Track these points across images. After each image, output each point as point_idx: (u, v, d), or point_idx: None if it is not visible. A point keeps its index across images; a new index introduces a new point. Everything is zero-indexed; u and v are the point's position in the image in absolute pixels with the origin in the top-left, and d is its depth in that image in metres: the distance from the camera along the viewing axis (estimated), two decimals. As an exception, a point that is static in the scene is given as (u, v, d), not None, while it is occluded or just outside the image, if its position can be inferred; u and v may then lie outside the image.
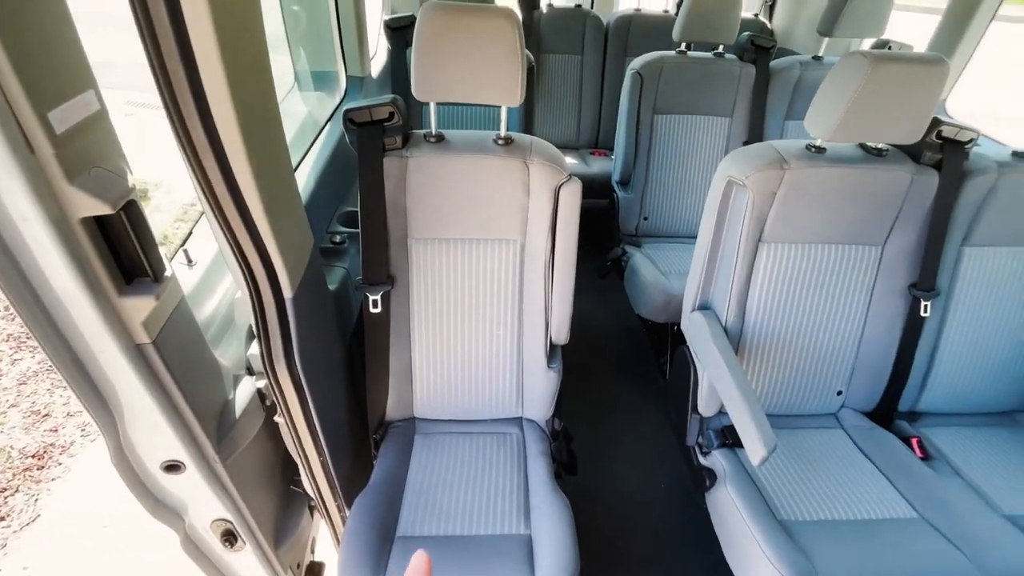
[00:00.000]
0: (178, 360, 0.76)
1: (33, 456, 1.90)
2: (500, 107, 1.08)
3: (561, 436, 1.32)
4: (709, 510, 1.26)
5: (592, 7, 3.07)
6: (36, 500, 1.76)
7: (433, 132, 1.10)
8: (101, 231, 0.63)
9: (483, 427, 1.32)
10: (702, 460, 1.31)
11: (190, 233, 1.07)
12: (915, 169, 1.18)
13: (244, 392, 0.96)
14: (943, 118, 1.18)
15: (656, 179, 2.08)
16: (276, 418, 1.01)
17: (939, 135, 1.16)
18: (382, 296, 1.15)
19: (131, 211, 0.64)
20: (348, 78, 1.89)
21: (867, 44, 2.07)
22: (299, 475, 1.12)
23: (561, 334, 1.24)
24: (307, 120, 1.71)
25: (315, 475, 1.10)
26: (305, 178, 1.34)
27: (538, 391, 1.28)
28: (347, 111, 1.05)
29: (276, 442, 1.09)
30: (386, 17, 2.14)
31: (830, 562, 1.03)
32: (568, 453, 1.31)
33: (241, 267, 0.81)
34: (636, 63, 1.99)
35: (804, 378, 1.35)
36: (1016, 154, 1.24)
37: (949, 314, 1.32)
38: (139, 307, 0.67)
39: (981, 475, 1.24)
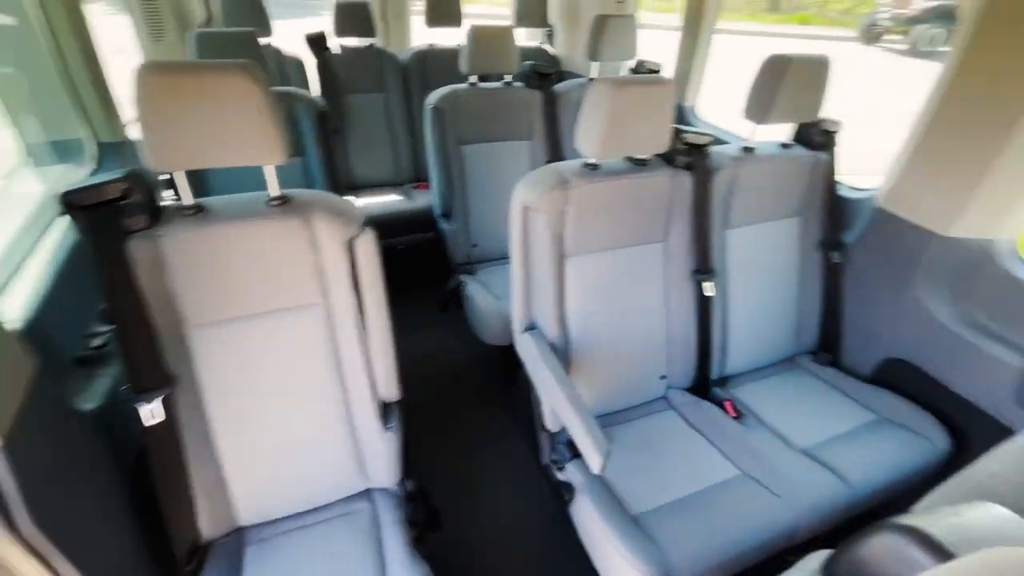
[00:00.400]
0: None
1: None
2: (264, 167, 0.99)
3: (416, 496, 1.24)
4: (573, 522, 1.28)
5: (387, 45, 3.08)
6: None
7: (187, 204, 0.96)
8: None
9: (326, 513, 1.18)
10: (559, 475, 1.33)
11: None
12: (672, 172, 1.35)
13: None
14: (686, 126, 1.38)
15: (476, 207, 2.13)
16: None
17: (684, 142, 1.34)
18: (164, 401, 0.97)
19: None
20: (101, 145, 1.61)
21: (628, 64, 2.37)
22: None
23: (391, 390, 1.17)
24: (45, 200, 1.40)
25: None
26: (38, 277, 1.08)
27: (380, 457, 1.19)
28: (65, 194, 0.87)
29: None
30: None
31: (677, 542, 1.10)
32: (427, 511, 1.23)
33: None
34: (432, 98, 2.02)
35: (631, 372, 1.46)
36: (744, 148, 1.49)
37: (729, 289, 1.53)
38: None
39: (778, 419, 1.45)
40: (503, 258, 2.20)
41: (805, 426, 1.42)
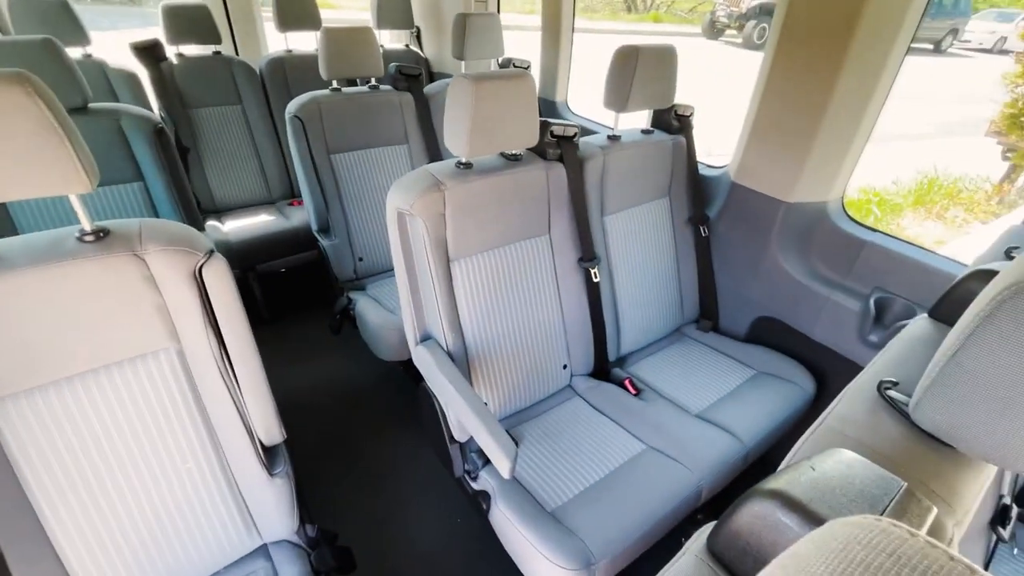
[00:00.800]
0: None
1: None
2: (69, 197, 0.82)
3: (320, 541, 1.13)
4: (495, 531, 1.24)
5: (236, 52, 2.82)
6: None
7: None
8: None
9: None
10: (474, 485, 1.29)
11: None
12: (546, 165, 1.36)
13: None
14: (554, 119, 1.40)
15: (357, 219, 2.01)
16: None
17: (552, 134, 1.36)
18: None
19: None
20: None
21: (496, 63, 2.38)
22: None
23: (272, 433, 1.05)
24: None
25: None
26: None
27: (270, 508, 1.06)
28: None
29: None
30: None
31: (594, 528, 1.11)
32: (335, 555, 1.13)
33: None
34: (292, 107, 1.87)
35: (533, 367, 1.45)
36: (610, 137, 1.55)
37: (613, 273, 1.59)
38: None
39: (673, 389, 1.53)
40: (391, 270, 2.10)
41: (697, 391, 1.52)
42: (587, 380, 1.56)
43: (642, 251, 1.65)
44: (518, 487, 1.22)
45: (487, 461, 1.29)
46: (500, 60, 2.32)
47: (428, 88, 2.15)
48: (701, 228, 1.73)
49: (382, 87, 2.05)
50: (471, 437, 1.31)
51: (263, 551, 1.10)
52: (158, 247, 0.87)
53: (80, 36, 2.08)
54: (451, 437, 1.32)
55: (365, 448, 1.86)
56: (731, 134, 1.67)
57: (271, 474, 1.04)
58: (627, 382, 1.55)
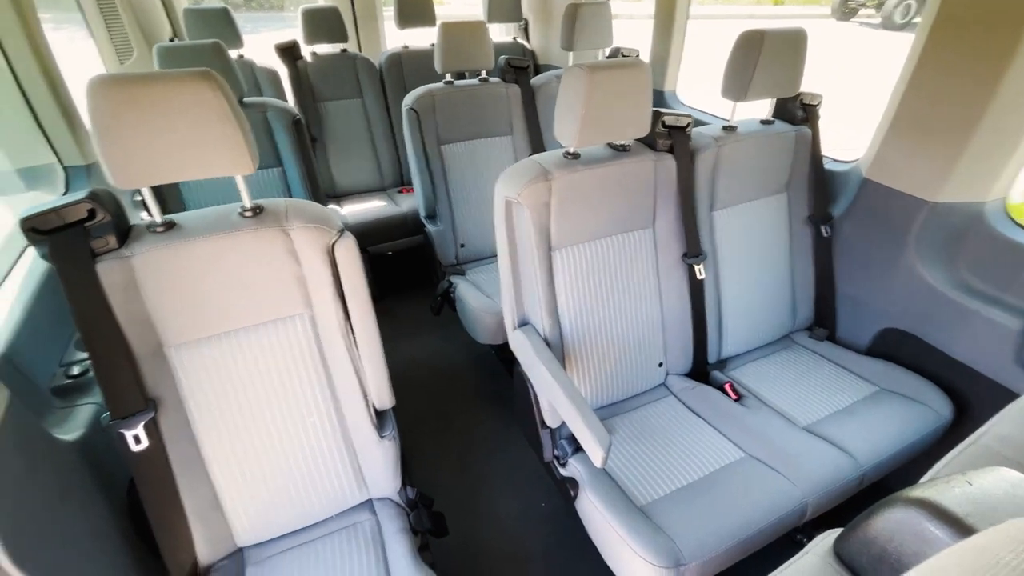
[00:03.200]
0: None
1: None
2: (236, 177, 0.96)
3: (418, 503, 1.21)
4: (581, 518, 1.26)
5: (360, 49, 3.05)
6: None
7: (158, 221, 0.93)
8: None
9: (327, 527, 1.15)
10: (562, 472, 1.31)
11: None
12: (655, 156, 1.33)
13: None
14: (667, 108, 1.36)
15: (461, 207, 2.10)
16: None
17: (664, 124, 1.32)
18: (146, 427, 0.93)
19: None
20: (68, 169, 1.57)
21: (604, 52, 2.35)
22: None
23: (384, 399, 1.14)
24: (15, 230, 1.37)
25: None
26: (9, 305, 1.05)
27: (378, 466, 1.16)
28: (24, 219, 0.84)
29: None
30: None
31: (685, 529, 1.08)
32: (430, 518, 1.21)
33: None
34: (408, 99, 1.99)
35: (628, 361, 1.43)
36: (725, 128, 1.47)
37: (720, 271, 1.51)
38: None
39: (779, 398, 1.43)
40: (492, 256, 2.17)
41: (806, 403, 1.41)
42: (683, 380, 1.51)
43: (753, 249, 1.56)
44: (607, 479, 1.22)
45: (577, 449, 1.30)
46: (609, 50, 2.29)
47: (535, 80, 2.18)
48: (823, 228, 1.59)
49: (491, 79, 2.12)
50: (562, 423, 1.33)
51: (368, 505, 1.21)
52: (301, 224, 0.98)
53: (236, 40, 2.38)
54: (542, 422, 1.34)
55: (458, 424, 1.96)
56: (863, 125, 1.51)
57: (381, 436, 1.14)
58: (727, 386, 1.48)
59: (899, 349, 1.50)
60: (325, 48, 2.66)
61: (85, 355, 1.10)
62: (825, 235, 1.60)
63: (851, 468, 1.21)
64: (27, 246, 1.24)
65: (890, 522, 0.46)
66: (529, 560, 1.51)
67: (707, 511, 1.12)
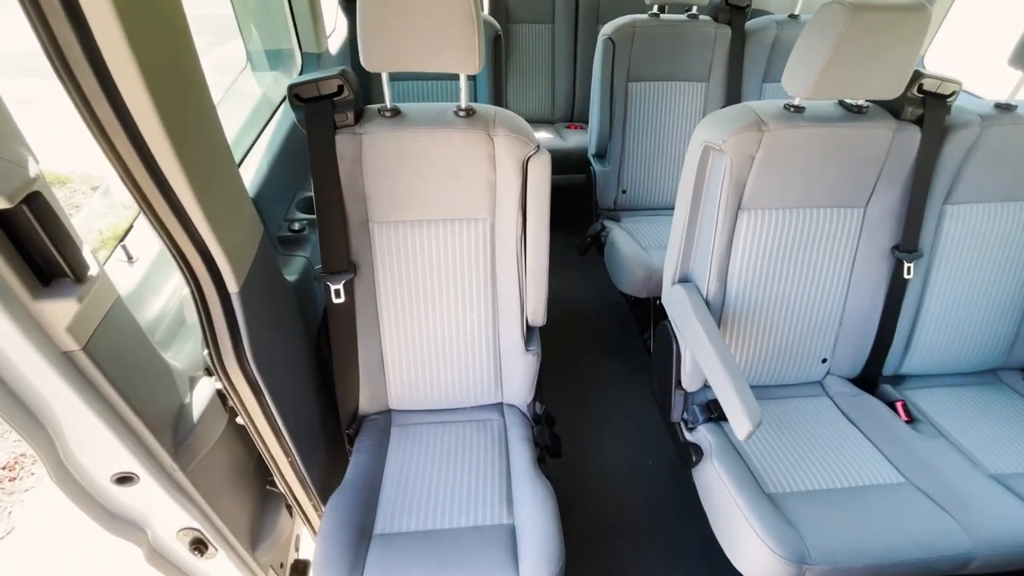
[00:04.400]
0: (117, 366, 0.70)
1: (3, 468, 1.83)
2: (459, 76, 1.01)
3: (543, 420, 1.28)
4: (696, 485, 1.23)
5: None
6: (9, 513, 1.70)
7: (388, 106, 1.03)
8: (4, 229, 0.56)
9: (462, 415, 1.28)
10: (688, 436, 1.29)
11: (130, 227, 0.99)
12: (896, 125, 1.13)
13: (202, 395, 0.90)
14: (923, 71, 1.13)
15: (633, 151, 2.02)
16: (238, 419, 0.95)
17: (920, 88, 1.11)
18: (345, 285, 1.09)
19: (36, 204, 0.57)
20: (304, 55, 1.78)
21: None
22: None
23: (538, 316, 1.19)
24: (262, 101, 1.61)
25: (285, 476, 1.05)
26: (258, 163, 1.25)
27: (517, 375, 1.24)
28: (292, 86, 0.97)
29: (246, 443, 1.03)
30: None
31: (817, 531, 1.01)
32: (551, 436, 1.27)
33: (179, 262, 0.74)
34: (608, 28, 1.91)
35: (789, 347, 1.32)
36: (999, 106, 1.20)
37: (932, 275, 1.29)
38: (60, 311, 0.61)
39: (965, 435, 1.23)
40: (651, 208, 2.09)
41: (1001, 451, 1.19)
42: (845, 384, 1.36)
43: (985, 260, 1.29)
44: (737, 455, 1.17)
45: (709, 417, 1.26)
46: None
47: (751, 23, 1.95)
48: None
49: (701, 17, 1.93)
50: (699, 389, 1.29)
51: (499, 408, 1.30)
52: (506, 133, 1.02)
53: None
54: (679, 382, 1.31)
55: (582, 363, 2.00)
56: None
57: (527, 348, 1.20)
58: (899, 404, 1.30)
59: None
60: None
61: (302, 216, 1.29)
62: None
63: None
64: (273, 113, 1.46)
65: None
66: (633, 506, 1.54)
67: (846, 521, 1.03)
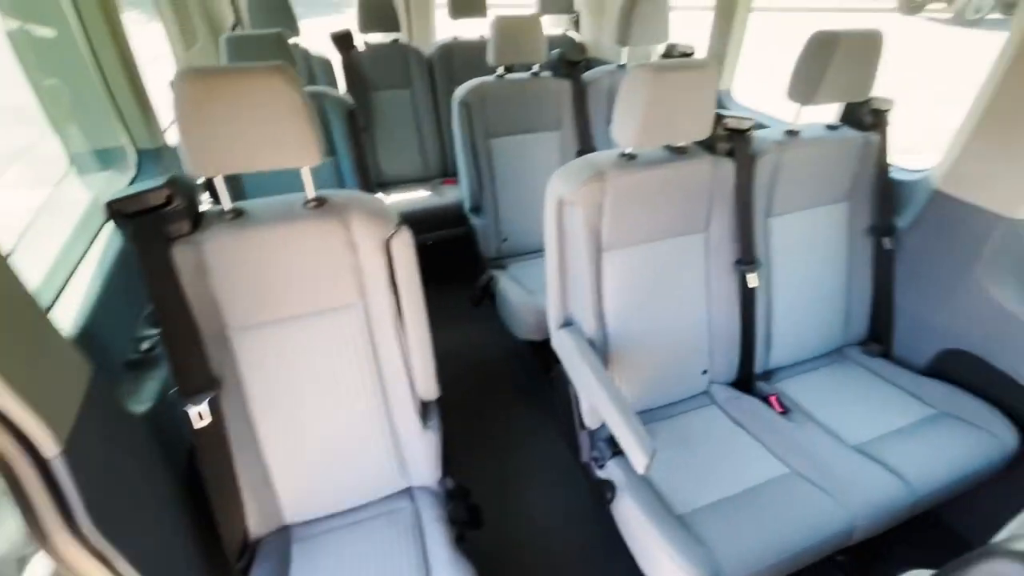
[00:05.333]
0: None
1: None
2: (300, 169, 0.99)
3: (457, 494, 1.24)
4: (616, 520, 1.25)
5: (411, 40, 3.07)
6: None
7: (227, 208, 0.97)
8: None
9: (369, 511, 1.19)
10: (599, 473, 1.31)
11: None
12: (713, 159, 1.30)
13: None
14: (726, 111, 1.32)
15: (506, 201, 2.10)
16: None
17: (725, 127, 1.29)
18: (210, 403, 0.98)
19: None
20: (140, 152, 1.65)
21: (659, 48, 2.29)
22: None
23: (430, 390, 1.17)
24: (91, 209, 1.45)
25: None
26: (88, 283, 1.12)
27: (420, 456, 1.19)
28: (110, 203, 0.88)
29: None
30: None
31: (725, 542, 1.07)
32: (467, 510, 1.23)
33: None
34: (459, 92, 2.00)
35: (672, 367, 1.42)
36: (788, 132, 1.42)
37: (773, 279, 1.47)
38: None
39: (828, 414, 1.39)
40: (534, 252, 2.17)
41: (857, 421, 1.36)
42: (727, 390, 1.48)
43: (808, 259, 1.50)
44: (645, 484, 1.21)
45: (616, 452, 1.29)
46: (663, 47, 2.23)
47: (586, 75, 2.15)
48: (885, 240, 1.52)
49: (542, 74, 2.10)
50: (601, 425, 1.33)
51: (408, 493, 1.24)
52: (362, 217, 1.01)
53: (294, 28, 2.43)
54: (581, 423, 1.34)
55: (491, 416, 1.98)
56: (934, 129, 1.42)
57: (424, 426, 1.16)
58: (773, 399, 1.44)
59: (961, 371, 1.42)
60: (377, 37, 2.69)
61: (153, 331, 1.17)
62: (887, 247, 1.53)
63: (904, 493, 1.16)
64: (103, 224, 1.32)
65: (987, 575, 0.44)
66: (561, 558, 1.52)
67: (748, 526, 1.10)
